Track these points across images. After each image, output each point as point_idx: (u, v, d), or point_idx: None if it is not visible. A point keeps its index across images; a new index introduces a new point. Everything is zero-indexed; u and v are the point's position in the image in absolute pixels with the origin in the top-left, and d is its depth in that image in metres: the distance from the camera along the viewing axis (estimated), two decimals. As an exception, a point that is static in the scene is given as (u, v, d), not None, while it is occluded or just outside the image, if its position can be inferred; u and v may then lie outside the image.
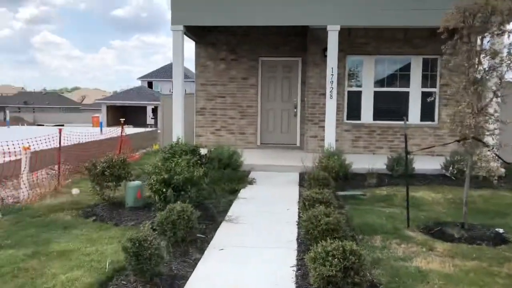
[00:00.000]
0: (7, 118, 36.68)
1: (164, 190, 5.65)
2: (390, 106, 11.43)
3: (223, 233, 5.52)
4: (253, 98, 12.00)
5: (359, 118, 11.35)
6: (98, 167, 6.56)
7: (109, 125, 46.31)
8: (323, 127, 10.86)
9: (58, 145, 8.93)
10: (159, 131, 15.70)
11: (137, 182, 6.80)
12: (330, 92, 9.44)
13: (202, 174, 5.91)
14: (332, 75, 9.41)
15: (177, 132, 9.67)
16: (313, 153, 10.90)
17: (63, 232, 5.69)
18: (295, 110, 12.13)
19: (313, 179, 6.99)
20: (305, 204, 5.78)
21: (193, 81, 12.30)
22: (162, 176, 5.67)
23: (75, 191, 8.07)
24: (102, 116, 46.21)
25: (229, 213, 6.36)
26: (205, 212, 6.31)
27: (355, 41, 11.09)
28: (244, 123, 12.06)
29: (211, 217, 6.13)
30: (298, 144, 12.13)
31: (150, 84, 51.60)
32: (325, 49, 10.97)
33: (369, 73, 11.27)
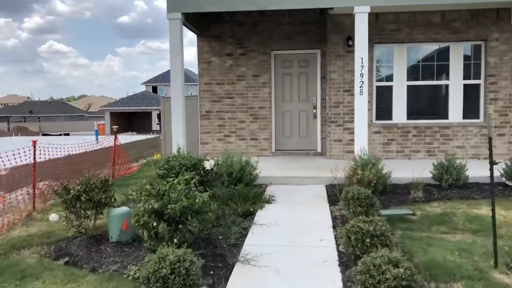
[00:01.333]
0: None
1: (154, 224, 4.07)
2: (427, 103, 9.77)
3: (238, 285, 3.93)
4: (266, 98, 10.42)
5: (390, 118, 9.70)
6: (72, 191, 5.02)
7: (113, 132, 45.06)
8: (349, 129, 9.28)
9: (35, 160, 7.39)
10: (161, 137, 14.17)
11: (123, 209, 5.23)
12: (360, 87, 7.83)
13: (206, 199, 4.32)
14: (362, 66, 7.80)
15: (178, 140, 8.13)
16: (338, 160, 9.30)
17: (17, 286, 4.14)
18: (314, 110, 10.53)
19: (352, 198, 5.38)
20: (349, 237, 4.18)
21: (197, 84, 10.72)
22: (151, 206, 4.08)
23: (53, 217, 6.53)
24: (106, 123, 44.95)
25: (244, 248, 4.77)
26: (211, 248, 4.73)
27: (384, 27, 9.46)
28: (256, 127, 10.47)
29: (220, 256, 4.55)
30: (319, 149, 10.51)
31: (155, 89, 50.23)
32: (349, 38, 9.39)
33: (401, 65, 9.63)
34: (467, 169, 7.25)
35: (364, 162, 7.15)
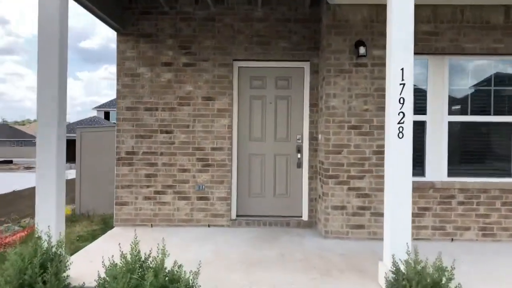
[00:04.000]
0: None
1: None
2: (481, 150, 6.19)
3: None
4: (224, 134, 6.59)
5: (421, 173, 6.05)
6: None
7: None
8: (358, 189, 5.61)
9: None
10: (76, 181, 10.04)
11: None
12: (400, 123, 4.12)
13: None
14: (403, 84, 4.13)
15: (44, 215, 4.13)
16: (339, 240, 5.56)
17: None
18: (299, 155, 6.76)
19: None
20: None
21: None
22: None
23: None
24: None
25: None
26: None
27: (414, 29, 5.90)
28: (207, 180, 6.58)
29: None
30: (305, 217, 6.70)
31: (107, 115, 45.51)
32: (360, 44, 5.80)
33: (440, 88, 6.07)
34: None
35: (416, 276, 3.37)
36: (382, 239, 5.91)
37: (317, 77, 6.57)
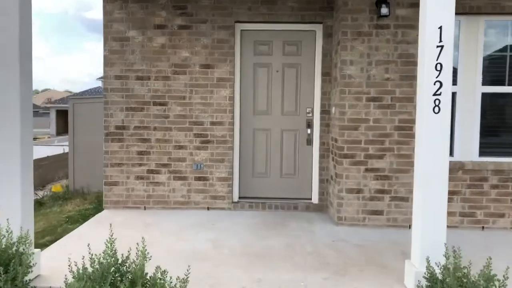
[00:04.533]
0: None
1: None
2: (518, 126, 5.43)
3: None
4: (225, 106, 5.85)
5: (450, 152, 5.28)
6: None
7: (58, 133, 39.39)
8: (377, 171, 4.87)
9: None
10: (69, 156, 9.39)
11: None
12: (436, 94, 3.36)
13: None
14: (442, 46, 3.35)
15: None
16: (353, 226, 4.90)
17: None
18: (308, 131, 6.03)
19: None
20: None
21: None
22: None
23: None
24: (51, 121, 39.41)
25: None
26: None
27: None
28: (206, 158, 5.89)
29: None
30: (315, 199, 6.01)
31: (112, 85, 44.46)
32: (381, 1, 4.97)
33: (472, 55, 5.25)
34: None
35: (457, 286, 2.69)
36: (403, 227, 5.27)
37: (331, 42, 5.76)
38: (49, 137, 35.36)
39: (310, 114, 6.00)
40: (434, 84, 3.35)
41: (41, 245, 5.60)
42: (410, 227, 5.20)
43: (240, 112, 6.02)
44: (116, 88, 5.87)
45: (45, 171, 11.09)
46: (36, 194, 9.29)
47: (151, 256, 2.84)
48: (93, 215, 6.10)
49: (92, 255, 2.78)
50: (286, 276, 3.72)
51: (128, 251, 2.95)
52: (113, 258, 2.89)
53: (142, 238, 2.87)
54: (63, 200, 8.52)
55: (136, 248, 2.91)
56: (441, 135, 3.36)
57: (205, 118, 5.84)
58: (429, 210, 3.36)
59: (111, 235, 2.91)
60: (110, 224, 3.41)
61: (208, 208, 5.89)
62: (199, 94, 5.83)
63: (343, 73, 5.18)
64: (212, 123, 5.85)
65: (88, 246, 3.01)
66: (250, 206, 5.91)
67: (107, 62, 5.85)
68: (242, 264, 4.00)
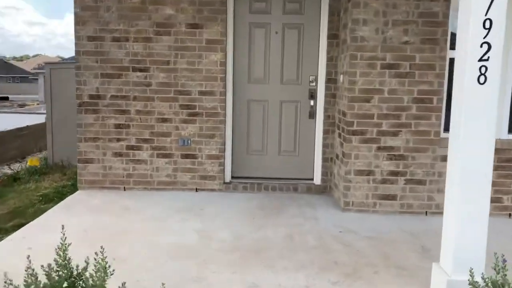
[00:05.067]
0: None
1: None
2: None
3: None
4: (216, 73, 5.07)
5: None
6: None
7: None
8: (390, 149, 4.18)
9: None
10: (47, 125, 8.62)
11: None
12: (482, 60, 2.62)
13: None
14: (490, 2, 2.59)
15: None
16: (362, 213, 4.26)
17: None
18: (312, 103, 5.28)
19: None
20: None
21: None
22: None
23: None
24: (40, 87, 38.26)
25: None
26: None
27: None
28: (194, 132, 5.15)
29: None
30: (317, 180, 5.33)
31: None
32: None
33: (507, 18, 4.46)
34: None
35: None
36: (418, 213, 4.59)
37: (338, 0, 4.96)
38: (38, 104, 34.37)
39: (314, 83, 5.24)
40: (481, 46, 2.61)
41: (6, 231, 4.93)
42: (427, 213, 4.56)
43: (233, 80, 5.25)
44: (90, 51, 5.05)
45: (24, 142, 10.32)
46: (10, 167, 8.55)
47: (113, 270, 2.15)
48: (71, 193, 5.42)
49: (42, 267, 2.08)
50: (286, 280, 3.07)
51: (86, 262, 2.25)
52: (65, 270, 2.21)
53: (102, 247, 2.17)
54: (40, 175, 7.79)
55: (99, 254, 2.21)
56: (486, 113, 2.65)
57: (193, 87, 5.07)
58: (468, 207, 2.68)
59: (64, 239, 2.20)
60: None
61: (196, 190, 5.21)
62: (186, 58, 5.04)
63: (355, 35, 4.40)
64: (201, 93, 5.08)
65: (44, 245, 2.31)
66: (244, 188, 5.23)
67: (78, 21, 5.01)
68: (233, 262, 3.35)
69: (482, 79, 2.63)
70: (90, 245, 3.55)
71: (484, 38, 2.60)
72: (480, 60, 2.61)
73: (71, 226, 4.04)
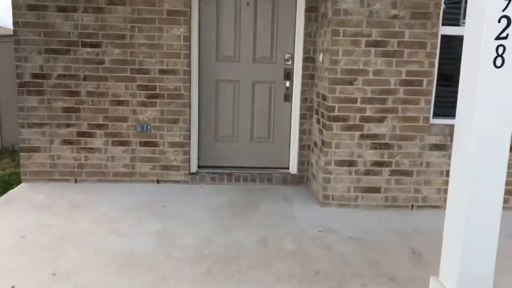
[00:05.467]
0: None
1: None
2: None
3: None
4: (179, 49, 4.44)
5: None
6: None
7: None
8: (373, 137, 3.72)
9: None
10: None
11: None
12: (501, 37, 2.14)
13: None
14: (517, -41, 2.08)
15: None
16: (342, 208, 3.81)
17: None
18: (287, 84, 4.74)
19: None
20: None
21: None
22: None
23: None
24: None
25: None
26: None
27: None
28: (154, 116, 4.54)
29: None
30: (293, 169, 4.85)
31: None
32: None
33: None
34: None
35: None
36: (403, 207, 4.13)
37: (319, -35, 4.37)
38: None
39: (290, 62, 4.69)
40: (499, 21, 2.12)
41: None
42: (413, 207, 4.16)
43: (199, 57, 4.64)
44: (31, 23, 4.33)
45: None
46: None
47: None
48: (19, 183, 4.77)
49: None
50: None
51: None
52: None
53: None
54: None
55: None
56: (503, 101, 2.18)
57: (152, 65, 4.44)
58: (478, 213, 2.24)
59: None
60: None
61: (158, 181, 4.64)
62: (144, 32, 4.38)
63: (337, 8, 3.85)
64: (162, 72, 4.46)
65: None
66: (212, 179, 4.69)
67: (15, -14, 4.27)
68: (198, 277, 2.83)
69: (499, 61, 2.15)
70: (26, 254, 2.98)
71: (503, 11, 2.11)
72: (498, 38, 2.12)
73: (7, 229, 3.44)
